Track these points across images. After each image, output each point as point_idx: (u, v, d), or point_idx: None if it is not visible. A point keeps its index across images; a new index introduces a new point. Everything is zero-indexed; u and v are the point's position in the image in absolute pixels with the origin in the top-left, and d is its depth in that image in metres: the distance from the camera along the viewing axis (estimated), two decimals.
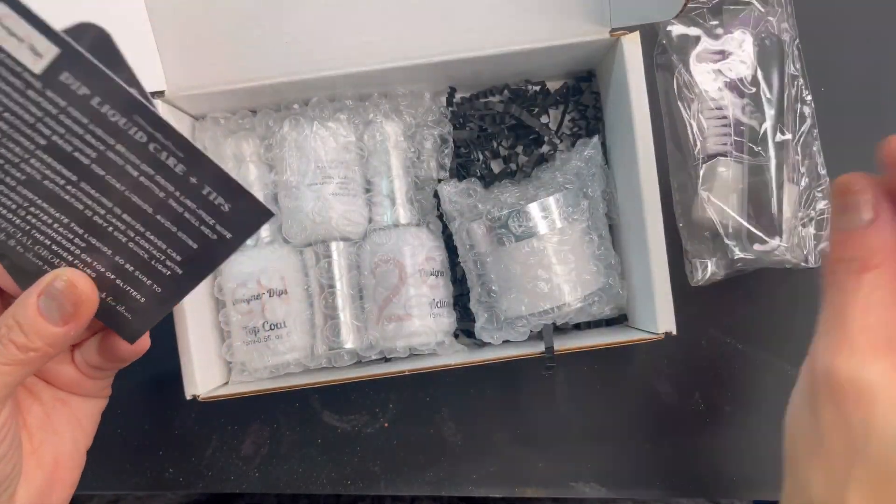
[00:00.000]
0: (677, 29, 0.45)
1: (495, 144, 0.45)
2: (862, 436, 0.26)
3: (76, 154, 0.28)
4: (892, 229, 0.30)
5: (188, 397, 0.39)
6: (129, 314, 0.32)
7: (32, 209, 0.30)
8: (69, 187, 0.29)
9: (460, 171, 0.45)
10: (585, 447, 0.46)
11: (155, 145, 0.28)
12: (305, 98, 0.42)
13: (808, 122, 0.44)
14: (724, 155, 0.44)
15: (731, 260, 0.43)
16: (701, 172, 0.44)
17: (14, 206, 0.29)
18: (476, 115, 0.44)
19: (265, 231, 0.42)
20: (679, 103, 0.44)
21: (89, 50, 0.26)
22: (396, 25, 0.39)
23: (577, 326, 0.45)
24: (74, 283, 0.30)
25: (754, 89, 0.44)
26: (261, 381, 0.41)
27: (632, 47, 0.38)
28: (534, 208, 0.39)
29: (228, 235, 0.31)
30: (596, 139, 0.43)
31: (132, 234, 0.30)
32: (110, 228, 0.30)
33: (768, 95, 0.43)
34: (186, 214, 0.30)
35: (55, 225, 0.30)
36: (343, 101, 0.43)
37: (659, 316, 0.37)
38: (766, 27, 0.44)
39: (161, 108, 0.38)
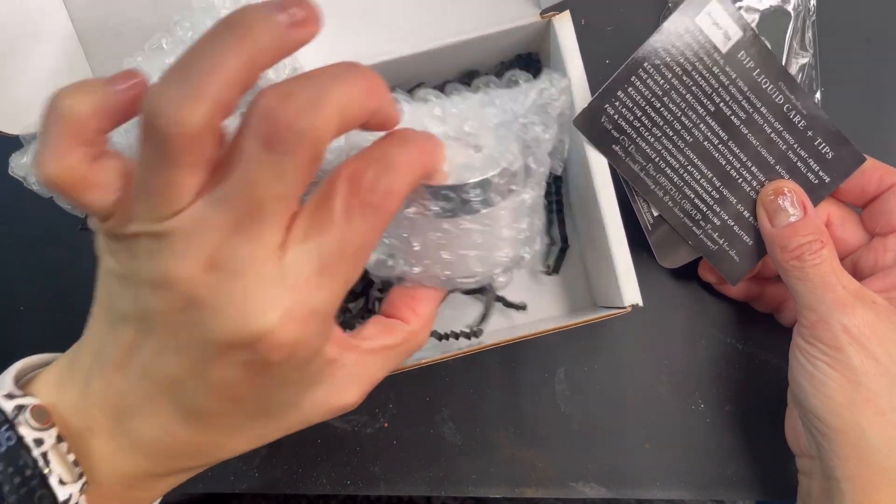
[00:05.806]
0: None
1: None
2: None
3: (732, 117, 0.36)
4: (820, 217, 0.37)
5: None
6: (737, 257, 0.39)
7: (689, 167, 0.37)
8: (720, 146, 0.36)
9: None
10: (585, 447, 0.46)
11: (788, 106, 0.36)
12: None
13: None
14: None
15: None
16: None
17: (676, 166, 0.37)
18: None
19: None
20: None
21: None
22: (324, 31, 0.37)
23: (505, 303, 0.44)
24: None
25: None
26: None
27: (564, 27, 0.37)
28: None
29: (827, 179, 0.37)
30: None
31: (755, 185, 0.37)
32: (740, 180, 0.37)
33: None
34: (799, 163, 0.37)
35: (701, 181, 0.37)
36: None
37: (623, 290, 0.37)
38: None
39: None
